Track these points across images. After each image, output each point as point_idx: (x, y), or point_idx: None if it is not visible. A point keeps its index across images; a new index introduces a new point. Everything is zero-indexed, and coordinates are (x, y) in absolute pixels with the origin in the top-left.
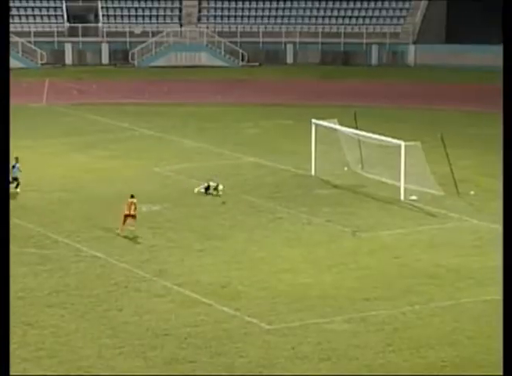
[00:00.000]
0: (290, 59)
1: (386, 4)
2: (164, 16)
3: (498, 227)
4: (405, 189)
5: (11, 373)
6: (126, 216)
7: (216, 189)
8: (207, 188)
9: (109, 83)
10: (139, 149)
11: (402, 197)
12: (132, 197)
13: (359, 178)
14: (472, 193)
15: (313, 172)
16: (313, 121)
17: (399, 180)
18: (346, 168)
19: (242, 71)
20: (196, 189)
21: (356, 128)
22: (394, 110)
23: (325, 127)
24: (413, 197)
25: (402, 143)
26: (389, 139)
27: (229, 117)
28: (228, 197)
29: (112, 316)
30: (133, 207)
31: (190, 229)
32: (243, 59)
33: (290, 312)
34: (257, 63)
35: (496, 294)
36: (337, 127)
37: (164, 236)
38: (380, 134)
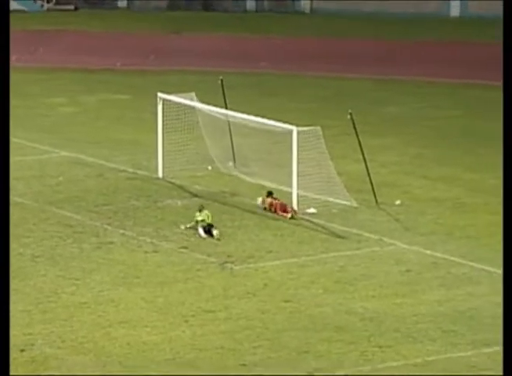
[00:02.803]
0: (122, 2)
1: None
2: None
3: (435, 254)
4: (300, 198)
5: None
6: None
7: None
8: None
9: None
10: None
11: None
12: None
13: (230, 182)
14: (398, 203)
15: (160, 174)
16: (159, 95)
17: (290, 185)
18: (210, 167)
19: (49, 18)
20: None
21: (225, 105)
22: (281, 78)
23: (177, 104)
24: (311, 210)
25: (294, 129)
26: (274, 123)
27: (30, 88)
28: (31, 211)
29: None
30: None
31: None
32: (49, 1)
33: None
34: (71, 7)
35: (435, 353)
36: (196, 104)
37: None
38: (260, 115)
